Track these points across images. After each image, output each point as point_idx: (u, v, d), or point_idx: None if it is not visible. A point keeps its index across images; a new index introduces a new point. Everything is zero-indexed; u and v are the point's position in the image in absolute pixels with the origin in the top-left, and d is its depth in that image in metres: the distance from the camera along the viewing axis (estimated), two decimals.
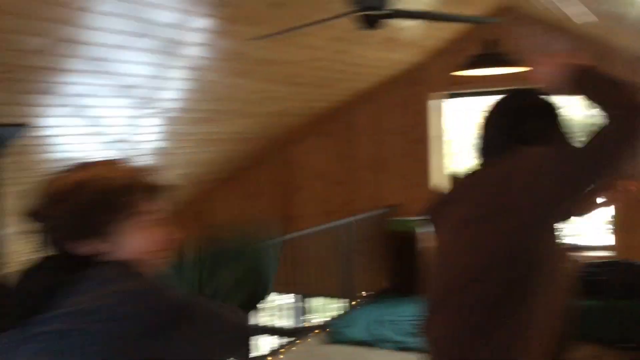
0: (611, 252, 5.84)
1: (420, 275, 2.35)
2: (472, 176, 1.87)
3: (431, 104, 6.56)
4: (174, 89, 4.44)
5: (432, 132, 6.58)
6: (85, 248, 1.34)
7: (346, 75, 5.64)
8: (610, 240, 5.97)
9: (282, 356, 4.82)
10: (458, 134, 8.21)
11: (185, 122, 5.12)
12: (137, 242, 1.42)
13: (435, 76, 6.46)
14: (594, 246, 5.89)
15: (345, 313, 5.62)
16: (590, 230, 9.19)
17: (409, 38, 5.37)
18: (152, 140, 5.22)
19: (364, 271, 6.11)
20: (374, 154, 6.90)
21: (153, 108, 4.57)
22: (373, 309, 5.55)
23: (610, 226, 5.95)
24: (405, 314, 5.59)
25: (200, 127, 5.32)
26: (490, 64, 4.35)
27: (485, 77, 5.96)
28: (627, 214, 5.72)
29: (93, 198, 1.36)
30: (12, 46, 3.15)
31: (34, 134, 4.04)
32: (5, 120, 3.67)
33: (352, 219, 6.04)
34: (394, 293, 6.35)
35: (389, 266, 6.55)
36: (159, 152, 5.49)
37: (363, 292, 6.15)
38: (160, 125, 4.98)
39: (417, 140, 6.62)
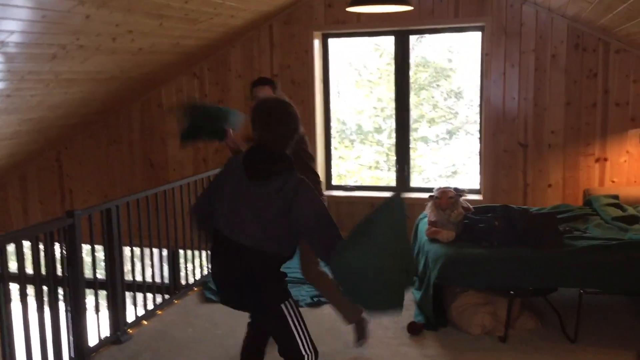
0: (479, 195, 5.97)
1: None
2: None
3: (313, 43, 6.18)
4: (15, 18, 3.68)
5: (315, 73, 6.23)
6: None
7: (220, 9, 5.08)
8: (476, 183, 6.11)
9: (159, 315, 4.40)
10: (339, 75, 7.96)
11: (30, 59, 4.35)
12: None
13: (317, 14, 6.09)
14: (467, 190, 5.98)
15: None
16: (464, 176, 9.52)
17: None
18: None
19: None
20: (248, 96, 6.44)
21: None
22: None
23: (478, 172, 6.07)
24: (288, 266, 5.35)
25: (49, 65, 4.56)
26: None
27: (371, 16, 5.71)
28: (490, 162, 5.84)
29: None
30: None
31: None
32: None
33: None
34: None
35: None
36: None
37: None
38: None
39: (300, 81, 6.25)
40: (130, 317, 4.27)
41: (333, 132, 6.65)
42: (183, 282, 5.11)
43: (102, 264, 4.23)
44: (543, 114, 5.66)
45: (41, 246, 3.54)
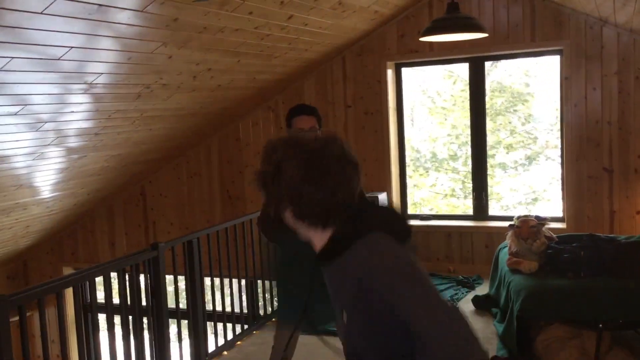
0: (562, 223, 5.74)
1: None
2: None
3: (386, 73, 6.22)
4: (103, 61, 3.91)
5: (389, 103, 6.25)
6: None
7: (294, 44, 5.21)
8: (559, 211, 5.88)
9: (238, 345, 4.46)
10: (412, 104, 7.93)
11: (116, 99, 4.59)
12: None
13: (390, 44, 6.13)
14: (550, 218, 5.77)
15: None
16: (543, 202, 9.20)
17: (361, 2, 5.00)
18: (80, 120, 4.66)
19: None
20: (324, 127, 6.52)
21: (80, 83, 4.03)
22: None
23: (560, 197, 5.85)
24: None
25: (134, 104, 4.79)
26: (457, 28, 4.01)
27: (444, 44, 5.68)
28: (573, 189, 5.61)
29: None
30: None
31: None
32: None
33: None
34: None
35: None
36: (88, 132, 4.94)
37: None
38: (88, 102, 4.43)
39: (373, 112, 6.29)
40: (210, 347, 4.35)
41: (407, 160, 6.62)
42: (261, 312, 5.17)
43: (184, 294, 4.35)
44: (629, 138, 5.42)
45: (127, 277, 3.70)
